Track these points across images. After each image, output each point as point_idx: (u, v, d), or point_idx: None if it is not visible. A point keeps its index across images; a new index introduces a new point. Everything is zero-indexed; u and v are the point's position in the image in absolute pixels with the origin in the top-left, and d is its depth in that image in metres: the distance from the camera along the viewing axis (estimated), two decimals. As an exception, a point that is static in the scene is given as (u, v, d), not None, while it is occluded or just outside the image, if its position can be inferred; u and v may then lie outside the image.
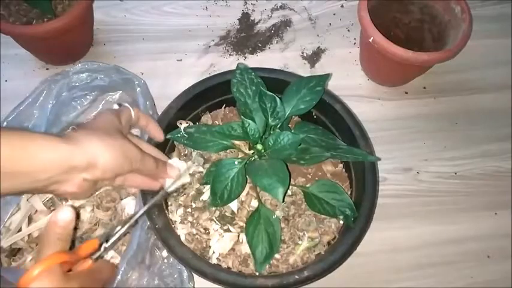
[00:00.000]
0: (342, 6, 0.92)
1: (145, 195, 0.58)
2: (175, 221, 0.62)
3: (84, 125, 0.51)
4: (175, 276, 0.61)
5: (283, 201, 0.56)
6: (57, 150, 0.44)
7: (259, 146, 0.60)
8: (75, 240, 0.64)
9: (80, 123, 0.54)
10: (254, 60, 0.84)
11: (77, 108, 0.71)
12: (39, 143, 0.44)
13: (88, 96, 0.71)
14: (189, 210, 0.62)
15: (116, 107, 0.59)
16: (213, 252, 0.60)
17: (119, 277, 0.56)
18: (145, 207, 0.55)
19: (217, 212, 0.62)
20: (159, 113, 0.65)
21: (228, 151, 0.66)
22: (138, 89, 0.68)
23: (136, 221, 0.54)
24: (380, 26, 0.71)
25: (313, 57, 0.85)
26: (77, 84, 0.69)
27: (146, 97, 0.68)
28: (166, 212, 0.61)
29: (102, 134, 0.49)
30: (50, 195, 0.65)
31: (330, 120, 0.68)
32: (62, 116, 0.70)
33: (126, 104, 0.59)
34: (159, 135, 0.62)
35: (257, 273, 0.57)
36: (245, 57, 0.85)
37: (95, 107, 0.72)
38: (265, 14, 0.90)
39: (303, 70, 0.84)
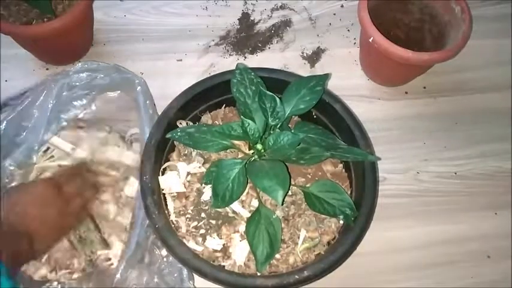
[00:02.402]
0: (342, 6, 0.92)
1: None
2: (176, 221, 0.62)
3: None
4: (175, 275, 0.61)
5: (282, 204, 0.56)
6: None
7: (259, 146, 0.60)
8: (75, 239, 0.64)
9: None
10: (254, 60, 0.84)
11: (77, 107, 0.71)
12: None
13: (88, 96, 0.71)
14: (189, 210, 0.62)
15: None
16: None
17: (118, 275, 0.56)
18: None
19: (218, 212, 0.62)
20: (159, 113, 0.65)
21: (228, 151, 0.66)
22: (139, 88, 0.68)
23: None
24: (380, 26, 0.71)
25: (313, 57, 0.85)
26: (77, 83, 0.69)
27: (146, 96, 0.68)
28: (166, 212, 0.61)
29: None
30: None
31: (330, 120, 0.68)
32: (62, 116, 0.70)
33: None
34: None
35: (258, 273, 0.58)
36: (245, 57, 0.85)
37: (95, 106, 0.73)
38: (265, 14, 0.90)
39: (303, 70, 0.84)
